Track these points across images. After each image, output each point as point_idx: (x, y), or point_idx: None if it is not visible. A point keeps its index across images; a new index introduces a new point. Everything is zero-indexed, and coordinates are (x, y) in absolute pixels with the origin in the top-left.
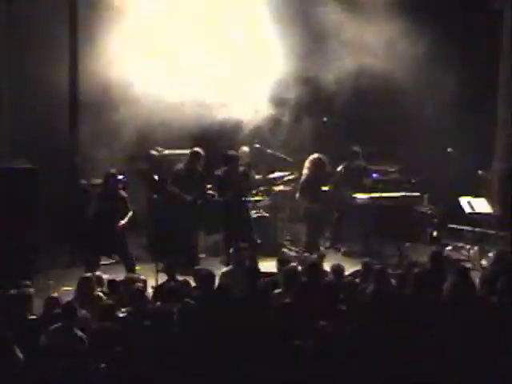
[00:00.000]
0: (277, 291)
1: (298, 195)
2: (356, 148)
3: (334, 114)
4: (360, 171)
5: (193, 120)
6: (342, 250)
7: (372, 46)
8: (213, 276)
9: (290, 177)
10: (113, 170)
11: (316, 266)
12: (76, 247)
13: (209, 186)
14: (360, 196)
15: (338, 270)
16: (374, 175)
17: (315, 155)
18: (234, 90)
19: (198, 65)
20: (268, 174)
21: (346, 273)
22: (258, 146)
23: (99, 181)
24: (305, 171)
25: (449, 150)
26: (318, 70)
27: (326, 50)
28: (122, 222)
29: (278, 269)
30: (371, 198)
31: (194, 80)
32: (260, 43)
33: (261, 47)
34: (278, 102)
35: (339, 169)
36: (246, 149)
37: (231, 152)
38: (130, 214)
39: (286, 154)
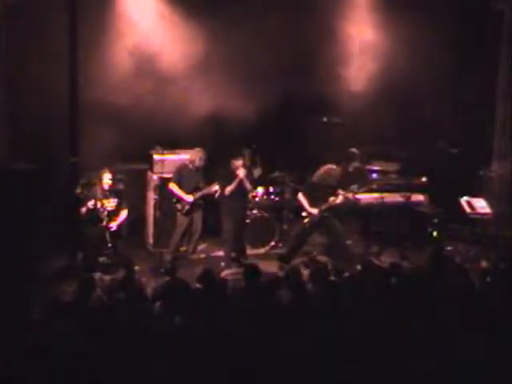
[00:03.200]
0: (279, 292)
1: (300, 193)
2: (353, 150)
3: (335, 114)
4: (357, 173)
5: (195, 120)
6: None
7: (371, 46)
8: (213, 274)
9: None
10: (108, 169)
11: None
12: (76, 247)
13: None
14: (360, 196)
15: (338, 270)
16: (374, 175)
17: (331, 165)
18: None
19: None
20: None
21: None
22: (256, 146)
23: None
24: (314, 177)
25: (449, 150)
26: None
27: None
28: (115, 222)
29: (280, 267)
30: (371, 198)
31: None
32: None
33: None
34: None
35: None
36: (247, 150)
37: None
38: (125, 212)
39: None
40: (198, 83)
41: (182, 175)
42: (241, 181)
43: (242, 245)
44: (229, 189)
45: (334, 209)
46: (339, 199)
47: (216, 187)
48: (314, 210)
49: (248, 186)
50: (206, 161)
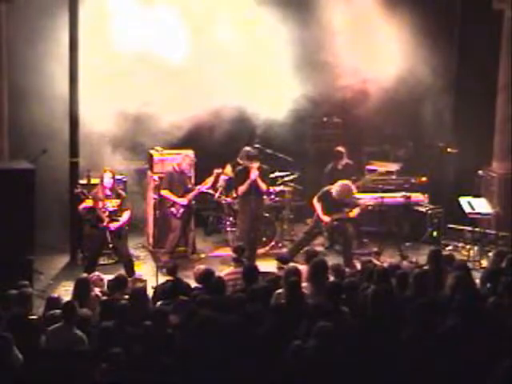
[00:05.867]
0: (278, 291)
1: (316, 199)
2: (340, 148)
3: (334, 114)
4: (346, 171)
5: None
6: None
7: (371, 46)
8: (213, 274)
9: (290, 177)
10: (108, 169)
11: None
12: (76, 247)
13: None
14: (360, 196)
15: (338, 270)
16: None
17: (347, 183)
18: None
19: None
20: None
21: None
22: (257, 145)
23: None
24: (333, 190)
25: (449, 149)
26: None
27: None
28: (117, 222)
29: (278, 268)
30: (371, 198)
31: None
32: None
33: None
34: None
35: (326, 170)
36: (248, 149)
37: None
38: (128, 213)
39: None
40: (204, 81)
41: (172, 180)
42: (254, 181)
43: (252, 245)
44: (242, 189)
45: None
46: (355, 213)
47: (209, 184)
48: (327, 218)
49: (263, 186)
50: (194, 164)
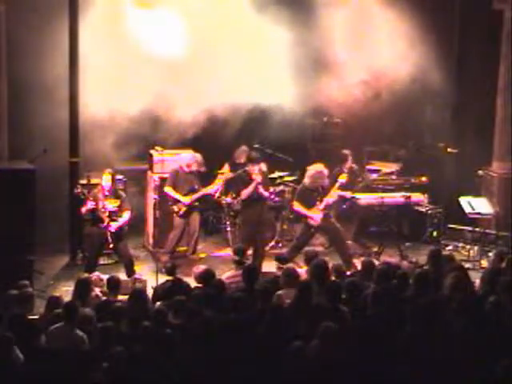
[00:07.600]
0: (278, 292)
1: (295, 203)
2: (346, 151)
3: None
4: (352, 173)
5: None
6: None
7: (371, 47)
8: (213, 274)
9: (290, 177)
10: (109, 170)
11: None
12: (76, 247)
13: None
14: (360, 196)
15: (339, 270)
16: (374, 175)
17: (317, 167)
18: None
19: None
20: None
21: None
22: (257, 145)
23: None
24: (305, 180)
25: (449, 149)
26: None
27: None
28: (117, 222)
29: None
30: (371, 198)
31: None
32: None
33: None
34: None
35: (334, 172)
36: (245, 148)
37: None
38: (127, 213)
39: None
40: (205, 82)
41: (177, 178)
42: (258, 185)
43: (257, 250)
44: (246, 192)
45: (333, 208)
46: (334, 196)
47: (216, 187)
48: (317, 214)
49: (263, 192)
50: (203, 165)
